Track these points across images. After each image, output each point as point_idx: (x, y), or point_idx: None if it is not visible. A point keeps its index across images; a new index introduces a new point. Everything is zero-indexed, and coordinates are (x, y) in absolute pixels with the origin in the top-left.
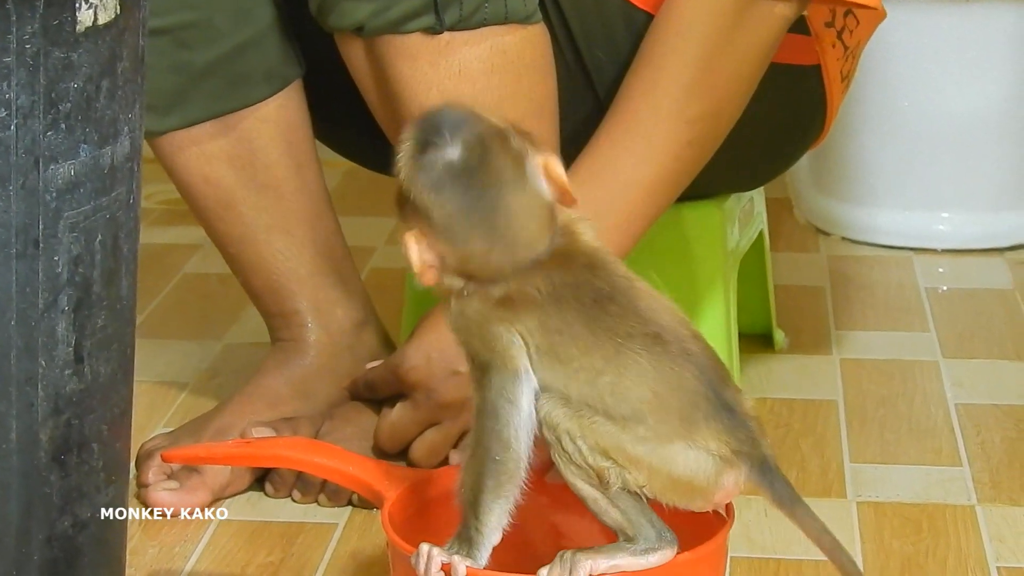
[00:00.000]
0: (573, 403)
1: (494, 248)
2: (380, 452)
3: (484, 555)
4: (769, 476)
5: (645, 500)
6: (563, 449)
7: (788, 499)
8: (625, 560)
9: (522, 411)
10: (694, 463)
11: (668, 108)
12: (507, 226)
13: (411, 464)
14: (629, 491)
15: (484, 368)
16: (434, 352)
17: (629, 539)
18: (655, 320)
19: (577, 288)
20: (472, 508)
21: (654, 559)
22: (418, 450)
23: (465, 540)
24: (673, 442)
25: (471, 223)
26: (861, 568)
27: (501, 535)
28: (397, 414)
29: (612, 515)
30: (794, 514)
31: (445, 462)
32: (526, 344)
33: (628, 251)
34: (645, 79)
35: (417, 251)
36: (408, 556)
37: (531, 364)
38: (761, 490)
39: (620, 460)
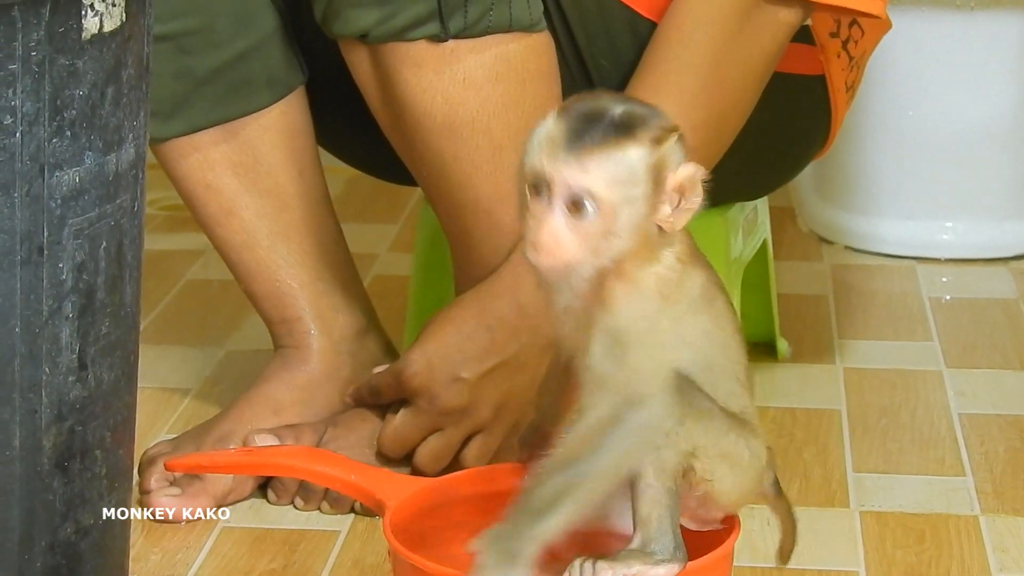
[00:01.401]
0: (703, 373)
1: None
2: (383, 458)
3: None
4: (783, 495)
5: (677, 529)
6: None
7: (792, 525)
8: (638, 568)
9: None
10: (762, 458)
11: (671, 115)
12: None
13: (414, 470)
14: (675, 495)
15: (634, 396)
16: (436, 358)
17: (644, 543)
18: (733, 307)
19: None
20: (534, 518)
21: (662, 571)
22: (421, 456)
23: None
24: (759, 434)
25: None
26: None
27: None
28: (400, 420)
29: (646, 509)
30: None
31: (448, 468)
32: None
33: None
34: (648, 86)
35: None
36: (411, 564)
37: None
38: (778, 506)
39: (716, 456)
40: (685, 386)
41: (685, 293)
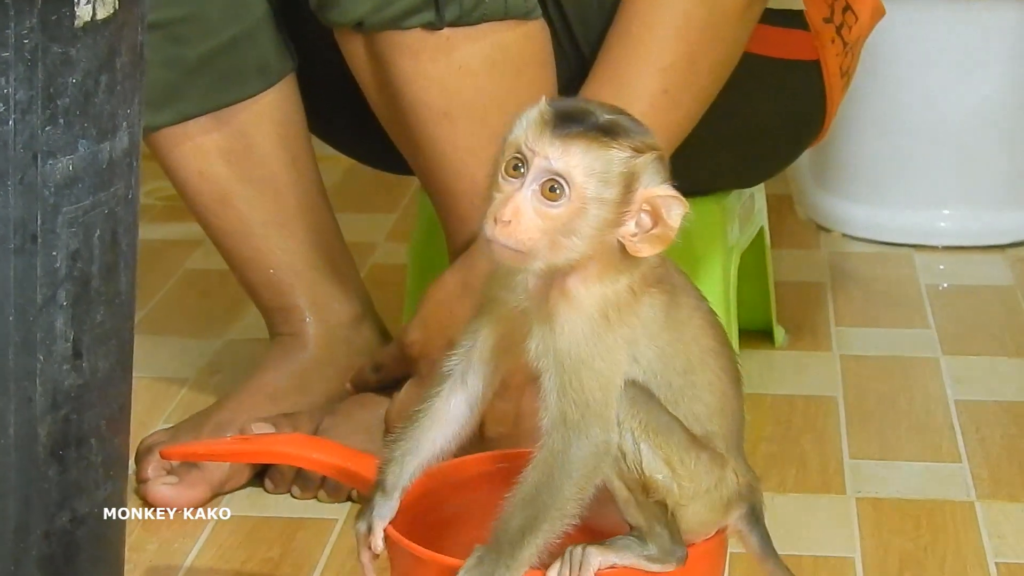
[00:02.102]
0: (661, 392)
1: None
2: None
3: None
4: (757, 526)
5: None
6: (621, 447)
7: (768, 552)
8: (632, 560)
9: (598, 474)
10: (729, 488)
11: (641, 55)
12: None
13: None
14: (660, 512)
15: (578, 423)
16: (431, 322)
17: (642, 538)
18: (723, 340)
19: (679, 282)
20: (511, 547)
21: (656, 568)
22: None
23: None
24: (728, 462)
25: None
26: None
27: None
28: (404, 392)
29: (636, 517)
30: (766, 568)
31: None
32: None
33: None
34: (620, 29)
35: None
36: (407, 551)
37: (650, 333)
38: (743, 536)
39: (678, 472)
40: (642, 398)
41: (638, 316)
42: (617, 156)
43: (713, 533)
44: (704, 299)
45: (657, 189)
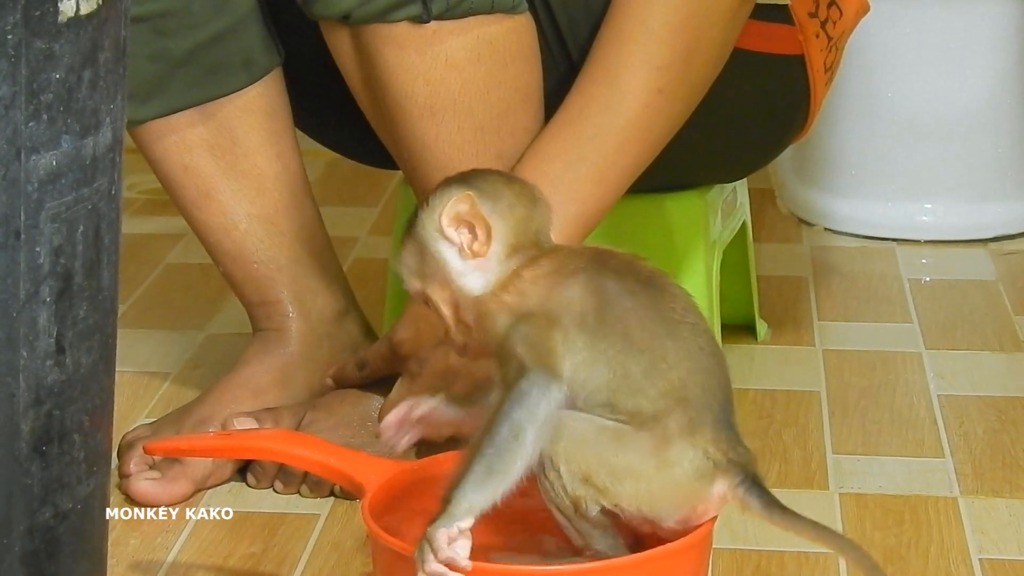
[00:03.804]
0: (577, 406)
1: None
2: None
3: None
4: (755, 489)
5: (614, 534)
6: (544, 475)
7: (779, 509)
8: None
9: (538, 421)
10: (690, 464)
11: (635, 54)
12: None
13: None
14: (601, 520)
15: (519, 370)
16: (422, 322)
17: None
18: (695, 313)
19: (621, 268)
20: (447, 502)
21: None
22: None
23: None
24: (675, 442)
25: (512, 191)
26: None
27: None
28: (396, 391)
29: (577, 539)
30: (787, 522)
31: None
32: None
33: (607, 204)
34: (613, 27)
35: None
36: (388, 547)
37: (571, 342)
38: (748, 503)
39: (600, 479)
40: (562, 419)
41: (562, 305)
42: (408, 248)
43: (694, 509)
44: (656, 281)
45: (442, 221)
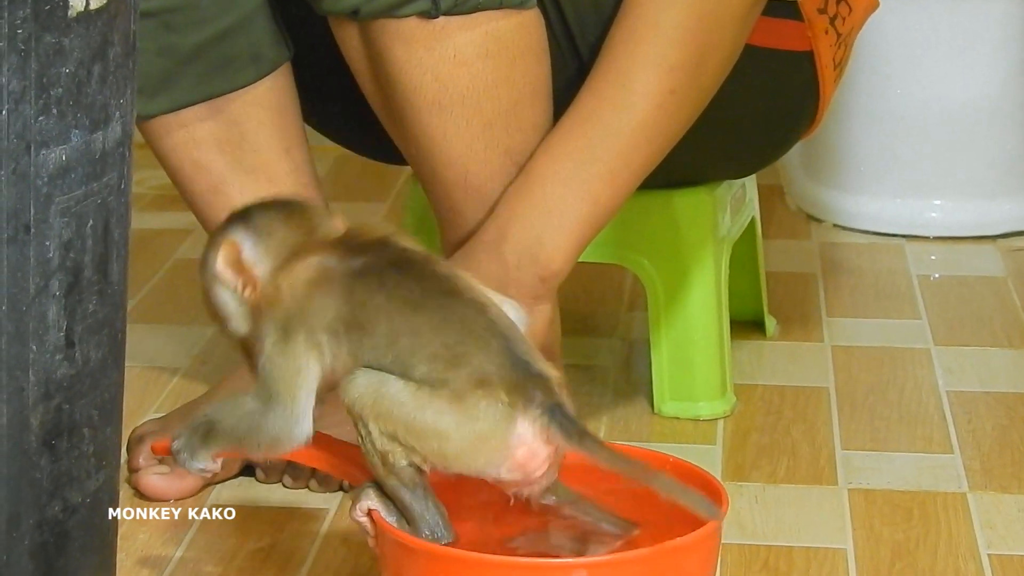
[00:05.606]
0: (376, 376)
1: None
2: None
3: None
4: (559, 420)
5: (429, 496)
6: (359, 433)
7: (577, 436)
8: (390, 519)
9: (300, 403)
10: (486, 414)
11: (648, 55)
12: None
13: None
14: (414, 479)
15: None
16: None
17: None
18: (452, 279)
19: (374, 261)
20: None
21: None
22: None
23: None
24: (467, 396)
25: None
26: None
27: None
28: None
29: (399, 501)
30: (587, 450)
31: None
32: (330, 330)
33: (618, 203)
34: (625, 28)
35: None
36: (395, 540)
37: (338, 345)
38: (548, 435)
39: (406, 438)
40: (365, 380)
41: (314, 315)
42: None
43: (513, 456)
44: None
45: (216, 266)
